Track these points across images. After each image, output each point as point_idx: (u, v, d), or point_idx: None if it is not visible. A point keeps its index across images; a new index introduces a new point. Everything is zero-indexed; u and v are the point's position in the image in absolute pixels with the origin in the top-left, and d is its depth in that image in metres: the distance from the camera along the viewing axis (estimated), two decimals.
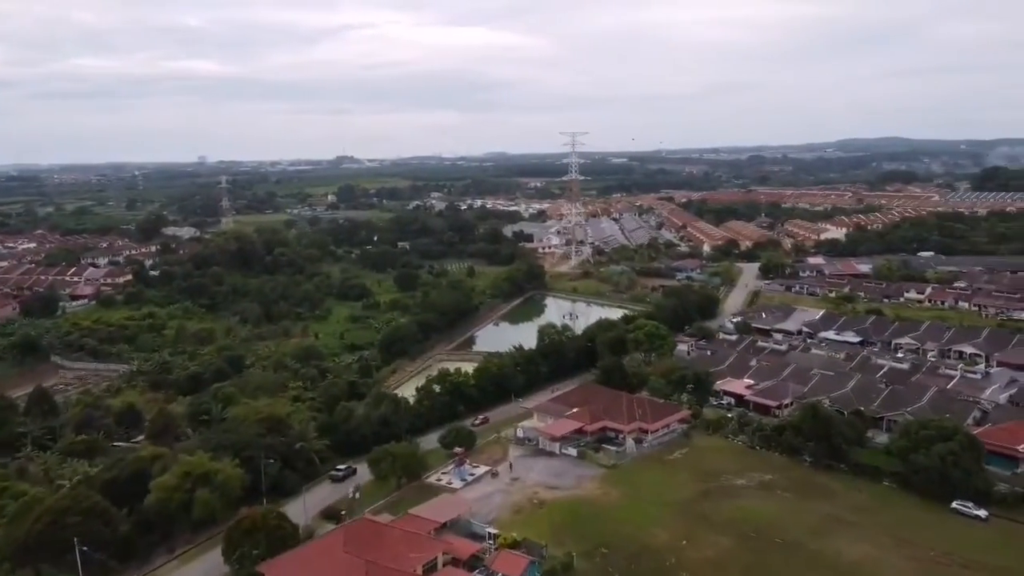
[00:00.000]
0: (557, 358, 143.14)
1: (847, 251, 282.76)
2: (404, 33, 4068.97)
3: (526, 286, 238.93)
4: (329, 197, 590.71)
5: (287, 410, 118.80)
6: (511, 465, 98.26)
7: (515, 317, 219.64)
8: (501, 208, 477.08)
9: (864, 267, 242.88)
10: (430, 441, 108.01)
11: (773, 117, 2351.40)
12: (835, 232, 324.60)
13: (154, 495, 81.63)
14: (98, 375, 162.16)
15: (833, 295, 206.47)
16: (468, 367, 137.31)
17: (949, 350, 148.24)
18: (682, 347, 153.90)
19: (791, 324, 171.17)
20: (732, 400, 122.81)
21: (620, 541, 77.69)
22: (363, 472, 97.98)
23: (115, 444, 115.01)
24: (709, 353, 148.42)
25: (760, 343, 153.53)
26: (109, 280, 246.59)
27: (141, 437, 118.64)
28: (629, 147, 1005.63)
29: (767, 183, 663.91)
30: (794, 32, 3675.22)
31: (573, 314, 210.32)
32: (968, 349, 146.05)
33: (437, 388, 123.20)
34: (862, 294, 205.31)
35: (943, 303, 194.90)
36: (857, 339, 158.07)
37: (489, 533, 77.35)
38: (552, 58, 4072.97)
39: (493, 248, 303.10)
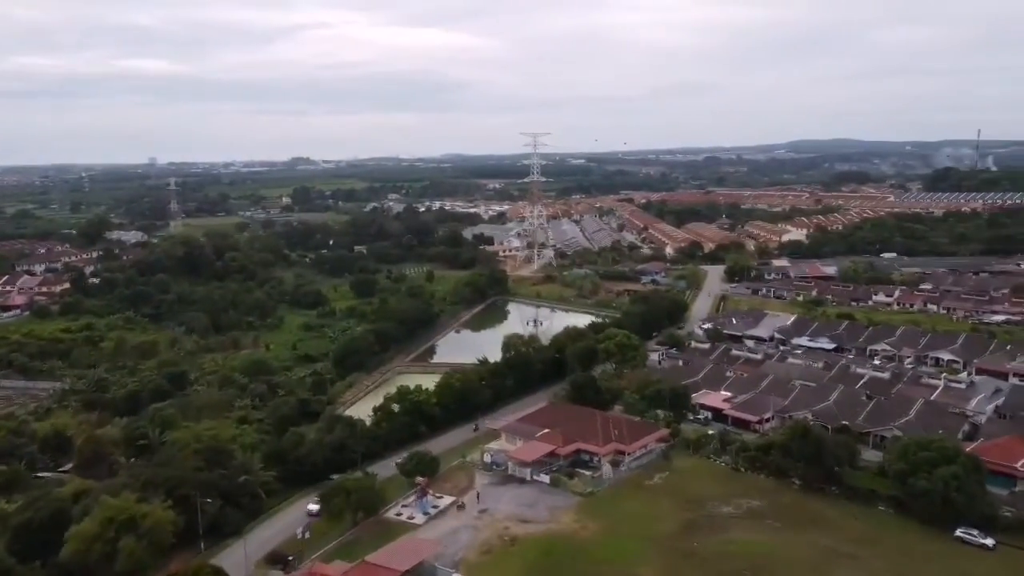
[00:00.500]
0: (524, 371, 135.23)
1: (810, 252, 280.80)
2: (360, 33, 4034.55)
3: (488, 291, 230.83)
4: (284, 199, 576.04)
5: (232, 433, 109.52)
6: (478, 495, 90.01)
7: (477, 324, 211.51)
8: (460, 210, 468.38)
9: (829, 269, 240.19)
10: (388, 467, 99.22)
11: (726, 119, 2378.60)
12: (796, 233, 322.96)
13: (71, 546, 71.27)
14: (27, 395, 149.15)
15: (801, 299, 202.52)
16: (429, 381, 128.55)
17: (926, 356, 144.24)
18: (653, 356, 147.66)
19: (763, 330, 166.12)
20: (709, 414, 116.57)
21: None
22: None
23: (39, 475, 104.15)
24: (681, 363, 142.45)
25: (734, 351, 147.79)
26: (45, 289, 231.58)
27: (71, 465, 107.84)
28: (586, 148, 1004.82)
29: (724, 184, 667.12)
30: (741, 36, 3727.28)
31: (538, 320, 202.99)
32: (945, 356, 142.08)
33: (396, 407, 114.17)
34: (830, 297, 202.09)
35: (912, 306, 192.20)
36: (831, 345, 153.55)
37: None
38: (508, 60, 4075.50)
39: (453, 251, 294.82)
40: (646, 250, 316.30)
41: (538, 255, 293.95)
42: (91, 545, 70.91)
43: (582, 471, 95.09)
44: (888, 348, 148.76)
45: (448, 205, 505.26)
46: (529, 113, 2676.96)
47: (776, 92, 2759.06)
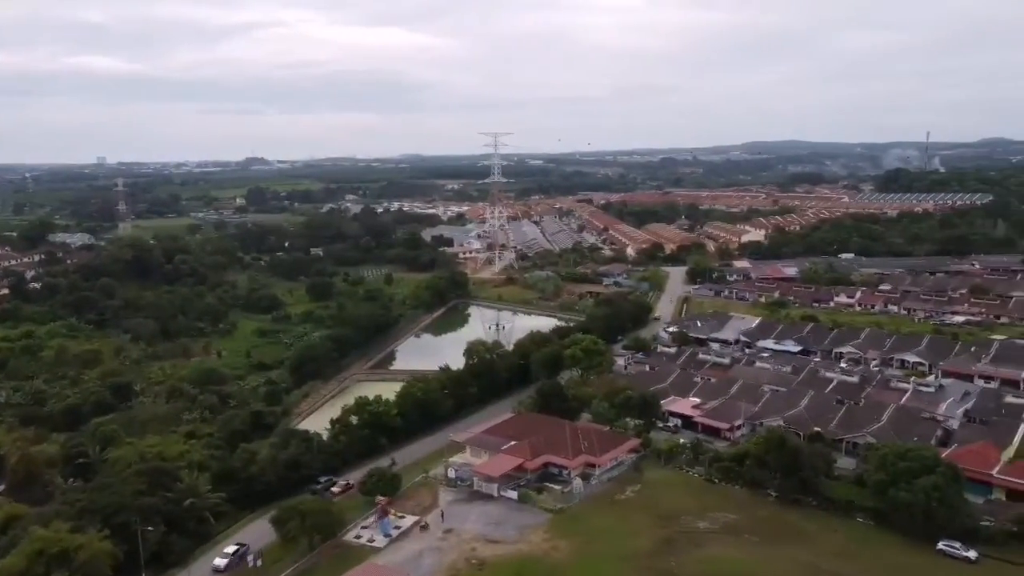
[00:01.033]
0: (488, 378, 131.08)
1: (770, 253, 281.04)
2: (318, 32, 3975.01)
3: (449, 294, 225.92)
4: (237, 200, 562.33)
5: (179, 449, 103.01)
6: (443, 514, 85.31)
7: (438, 328, 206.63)
8: (419, 211, 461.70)
9: (790, 270, 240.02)
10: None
11: (683, 120, 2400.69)
12: (755, 234, 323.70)
13: None
14: None
15: (764, 300, 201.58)
16: (389, 390, 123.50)
17: (891, 359, 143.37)
18: (619, 361, 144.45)
19: (728, 333, 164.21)
20: (679, 422, 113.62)
21: None
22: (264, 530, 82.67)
23: None
24: (648, 368, 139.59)
25: (701, 355, 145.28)
26: None
27: (2, 487, 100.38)
28: (545, 149, 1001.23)
29: (681, 185, 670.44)
30: (695, 39, 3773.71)
31: (500, 324, 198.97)
32: (911, 358, 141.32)
33: (355, 420, 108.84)
34: (792, 299, 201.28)
35: (873, 307, 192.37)
36: (797, 348, 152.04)
37: None
38: (469, 60, 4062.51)
39: (412, 253, 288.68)
40: (607, 251, 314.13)
41: (499, 257, 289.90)
42: None
43: (552, 486, 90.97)
44: (854, 351, 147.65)
45: (407, 206, 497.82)
46: (489, 113, 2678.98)
47: (732, 94, 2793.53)
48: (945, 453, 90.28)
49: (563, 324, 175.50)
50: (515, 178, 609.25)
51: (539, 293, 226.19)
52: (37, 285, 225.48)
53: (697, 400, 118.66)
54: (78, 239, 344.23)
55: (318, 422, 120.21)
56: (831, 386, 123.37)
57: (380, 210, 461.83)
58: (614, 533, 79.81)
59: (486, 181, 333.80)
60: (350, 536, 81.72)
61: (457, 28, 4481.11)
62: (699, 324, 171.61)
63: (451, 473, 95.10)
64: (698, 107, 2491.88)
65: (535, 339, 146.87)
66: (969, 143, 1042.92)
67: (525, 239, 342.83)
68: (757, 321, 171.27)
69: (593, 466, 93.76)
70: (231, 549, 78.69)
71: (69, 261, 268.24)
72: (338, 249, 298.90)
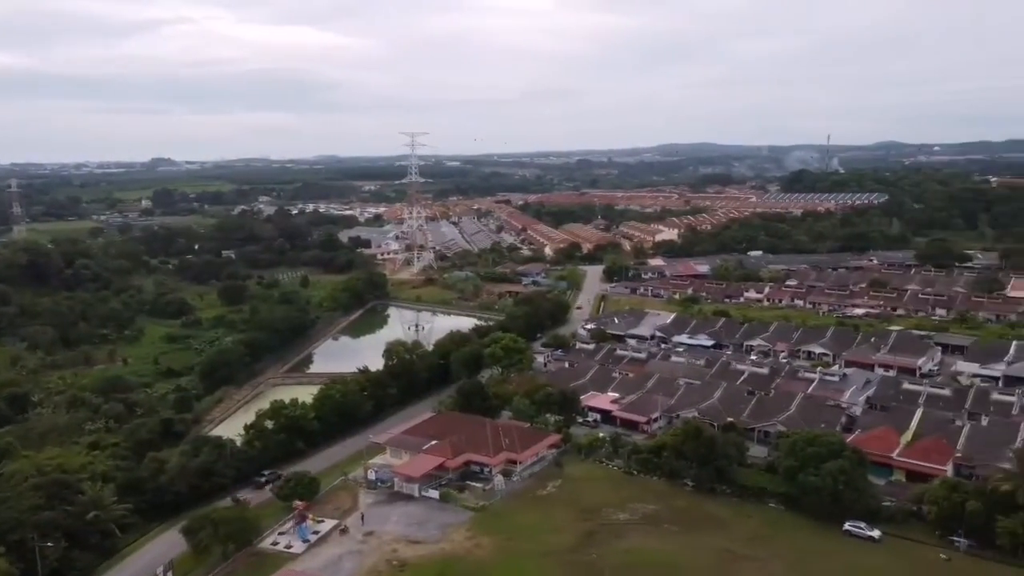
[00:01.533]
0: (408, 379, 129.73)
1: (683, 252, 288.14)
2: (227, 30, 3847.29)
3: (367, 296, 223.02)
4: (143, 202, 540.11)
5: (81, 461, 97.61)
6: (363, 516, 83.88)
7: (356, 330, 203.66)
8: (335, 212, 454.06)
9: (703, 268, 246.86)
10: (263, 491, 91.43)
11: (596, 123, 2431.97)
12: (669, 233, 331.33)
13: None
14: None
15: (678, 297, 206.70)
16: (307, 393, 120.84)
17: (798, 351, 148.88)
18: (539, 359, 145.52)
19: (644, 329, 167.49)
20: (598, 417, 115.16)
21: None
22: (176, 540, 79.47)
23: None
24: (568, 365, 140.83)
25: (619, 351, 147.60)
26: None
27: None
28: (462, 150, 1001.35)
29: (597, 185, 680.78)
30: (605, 44, 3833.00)
31: (419, 325, 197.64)
32: (816, 349, 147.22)
33: (270, 424, 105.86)
34: (705, 295, 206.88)
35: (780, 302, 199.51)
36: (710, 342, 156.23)
37: None
38: (380, 60, 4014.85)
39: (329, 255, 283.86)
40: (526, 251, 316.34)
41: (418, 258, 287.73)
42: None
43: (473, 484, 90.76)
44: (763, 343, 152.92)
45: (323, 207, 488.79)
46: (405, 115, 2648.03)
47: (644, 98, 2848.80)
48: (850, 438, 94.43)
49: (483, 323, 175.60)
50: (433, 179, 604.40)
51: (458, 293, 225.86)
52: None
53: (616, 395, 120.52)
54: None
55: (232, 428, 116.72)
56: (742, 378, 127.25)
57: (295, 212, 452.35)
58: (536, 529, 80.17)
59: (404, 182, 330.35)
60: (267, 543, 79.39)
61: (369, 28, 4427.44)
62: (616, 320, 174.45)
63: (371, 475, 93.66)
64: (611, 110, 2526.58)
65: (455, 339, 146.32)
66: (865, 146, 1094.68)
67: (444, 240, 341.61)
68: (672, 317, 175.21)
69: (515, 463, 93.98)
70: None
71: None
72: (251, 252, 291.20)
